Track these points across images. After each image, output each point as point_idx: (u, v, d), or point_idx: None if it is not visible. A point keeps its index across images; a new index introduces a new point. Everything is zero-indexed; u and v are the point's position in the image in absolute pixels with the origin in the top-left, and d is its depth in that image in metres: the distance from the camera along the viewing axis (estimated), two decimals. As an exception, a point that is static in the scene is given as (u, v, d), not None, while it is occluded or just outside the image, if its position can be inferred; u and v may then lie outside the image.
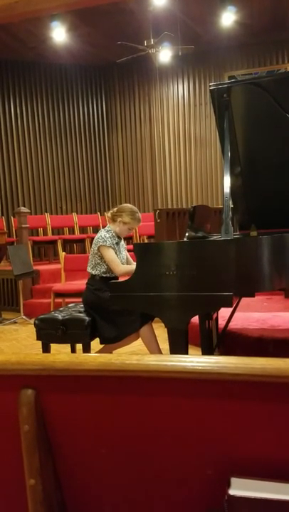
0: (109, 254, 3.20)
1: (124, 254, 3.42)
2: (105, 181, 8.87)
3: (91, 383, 0.88)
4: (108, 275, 3.25)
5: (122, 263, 3.31)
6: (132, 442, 0.91)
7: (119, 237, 3.36)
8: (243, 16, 6.71)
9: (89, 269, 3.33)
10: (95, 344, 3.29)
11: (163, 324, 2.57)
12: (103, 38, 7.16)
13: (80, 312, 3.29)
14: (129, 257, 3.48)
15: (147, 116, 8.61)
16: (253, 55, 7.79)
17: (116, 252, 3.25)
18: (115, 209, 3.39)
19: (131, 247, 2.70)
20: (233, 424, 0.84)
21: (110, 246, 3.21)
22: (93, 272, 3.29)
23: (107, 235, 3.25)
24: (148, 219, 7.34)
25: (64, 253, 5.90)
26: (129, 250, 4.39)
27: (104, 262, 3.23)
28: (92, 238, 8.06)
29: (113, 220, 3.34)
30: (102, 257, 3.24)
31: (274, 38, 7.45)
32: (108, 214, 3.41)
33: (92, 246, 3.32)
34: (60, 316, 3.21)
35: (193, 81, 8.27)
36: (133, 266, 3.22)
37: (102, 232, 3.29)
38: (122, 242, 3.45)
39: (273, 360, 0.78)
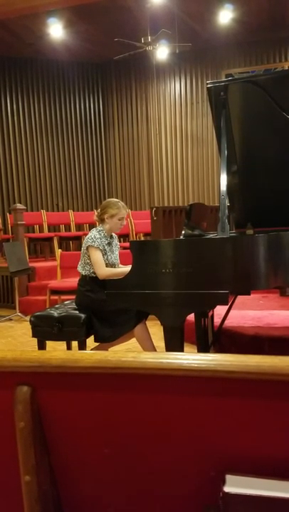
0: (96, 255, 3.15)
1: (117, 254, 3.37)
2: (102, 178, 8.85)
3: (87, 380, 0.88)
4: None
5: (114, 263, 3.28)
6: (128, 439, 0.91)
7: (111, 237, 3.32)
8: (240, 14, 6.71)
9: (79, 269, 3.31)
10: (90, 341, 3.29)
11: (159, 322, 2.57)
12: (100, 35, 7.14)
13: (76, 309, 3.29)
14: (118, 258, 3.42)
15: (144, 113, 8.59)
16: (251, 53, 7.79)
17: (106, 253, 3.21)
18: (98, 210, 3.40)
19: (127, 244, 2.68)
20: (229, 421, 0.85)
21: (98, 247, 3.16)
22: (83, 272, 3.27)
23: (98, 236, 3.21)
24: (144, 217, 7.34)
25: (60, 250, 5.89)
26: (125, 248, 4.38)
27: None
28: (89, 235, 8.00)
29: (101, 220, 3.30)
30: (90, 257, 3.22)
31: (272, 36, 7.46)
32: (95, 218, 3.40)
33: (82, 245, 3.28)
34: (55, 314, 3.20)
35: (190, 79, 8.26)
36: (118, 269, 3.21)
37: (93, 232, 3.25)
38: (116, 242, 3.41)
39: (268, 357, 0.79)
